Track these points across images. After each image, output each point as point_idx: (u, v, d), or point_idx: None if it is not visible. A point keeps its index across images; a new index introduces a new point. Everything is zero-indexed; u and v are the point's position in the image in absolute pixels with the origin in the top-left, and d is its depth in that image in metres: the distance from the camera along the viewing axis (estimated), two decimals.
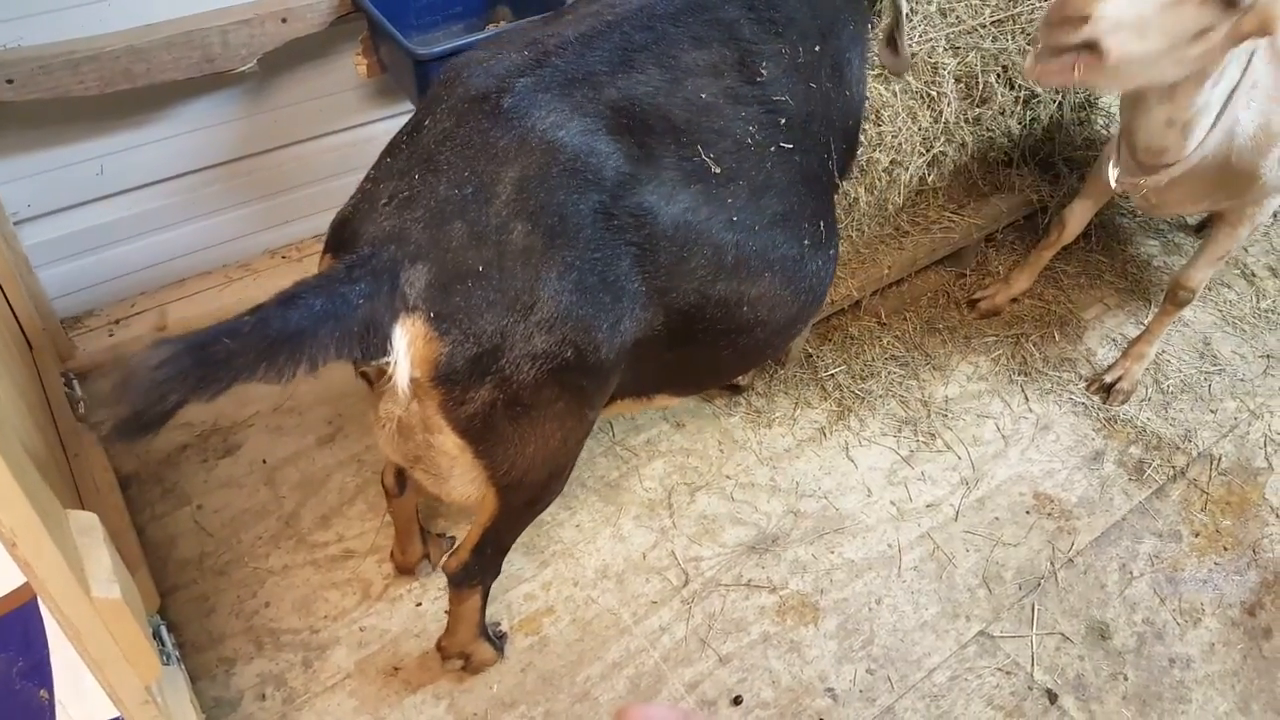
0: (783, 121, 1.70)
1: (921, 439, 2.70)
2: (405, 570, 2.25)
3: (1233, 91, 2.04)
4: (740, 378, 2.69)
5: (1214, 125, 2.09)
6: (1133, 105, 2.16)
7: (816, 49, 1.78)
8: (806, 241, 1.76)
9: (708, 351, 1.79)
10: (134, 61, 2.13)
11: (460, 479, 1.62)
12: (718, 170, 1.60)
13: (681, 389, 2.05)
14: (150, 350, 1.13)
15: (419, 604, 2.23)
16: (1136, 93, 2.09)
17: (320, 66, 2.62)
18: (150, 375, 1.12)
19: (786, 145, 1.70)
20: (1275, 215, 3.54)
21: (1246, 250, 3.41)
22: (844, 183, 2.04)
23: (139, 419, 1.13)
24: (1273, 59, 2.11)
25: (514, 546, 2.04)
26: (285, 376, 1.25)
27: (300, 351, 1.25)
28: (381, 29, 2.25)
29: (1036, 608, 2.35)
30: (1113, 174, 2.35)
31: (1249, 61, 2.04)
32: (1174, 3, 1.64)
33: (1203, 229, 3.38)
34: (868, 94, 2.19)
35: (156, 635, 1.76)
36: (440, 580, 2.24)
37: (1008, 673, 2.22)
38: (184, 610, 2.16)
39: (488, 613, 2.07)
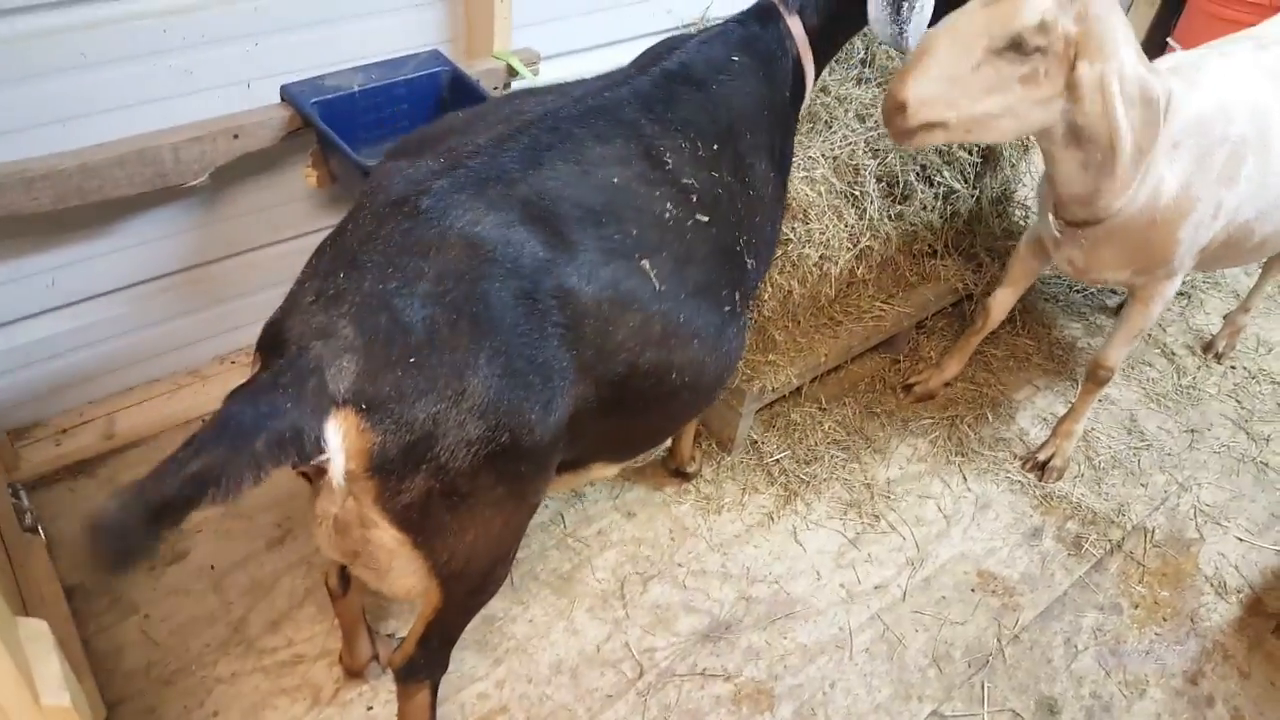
0: (694, 199, 1.80)
1: (866, 520, 2.76)
2: (354, 673, 2.22)
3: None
4: (688, 465, 2.75)
5: (1144, 176, 2.20)
6: (1047, 159, 2.28)
7: (715, 148, 1.90)
8: (726, 309, 1.86)
9: (639, 418, 1.85)
10: (87, 179, 2.18)
11: (400, 572, 1.62)
12: (639, 245, 1.69)
13: (615, 456, 2.09)
14: (108, 502, 1.21)
15: (370, 708, 2.20)
16: (1045, 146, 2.23)
17: (271, 178, 2.70)
18: (113, 524, 1.20)
19: (703, 219, 1.80)
20: (1187, 296, 3.74)
21: (1165, 330, 3.59)
22: (763, 276, 2.14)
23: (115, 562, 1.22)
24: (1195, 129, 2.25)
25: (466, 644, 2.04)
26: (233, 494, 1.29)
27: (240, 468, 1.29)
28: (331, 143, 2.35)
29: (986, 685, 2.39)
30: (1054, 225, 2.47)
31: (1163, 113, 2.15)
32: (970, 69, 1.89)
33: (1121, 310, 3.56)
34: (786, 198, 2.30)
35: None
36: (392, 683, 2.22)
37: None
38: None
39: (441, 714, 2.05)
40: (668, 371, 1.77)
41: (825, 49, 2.20)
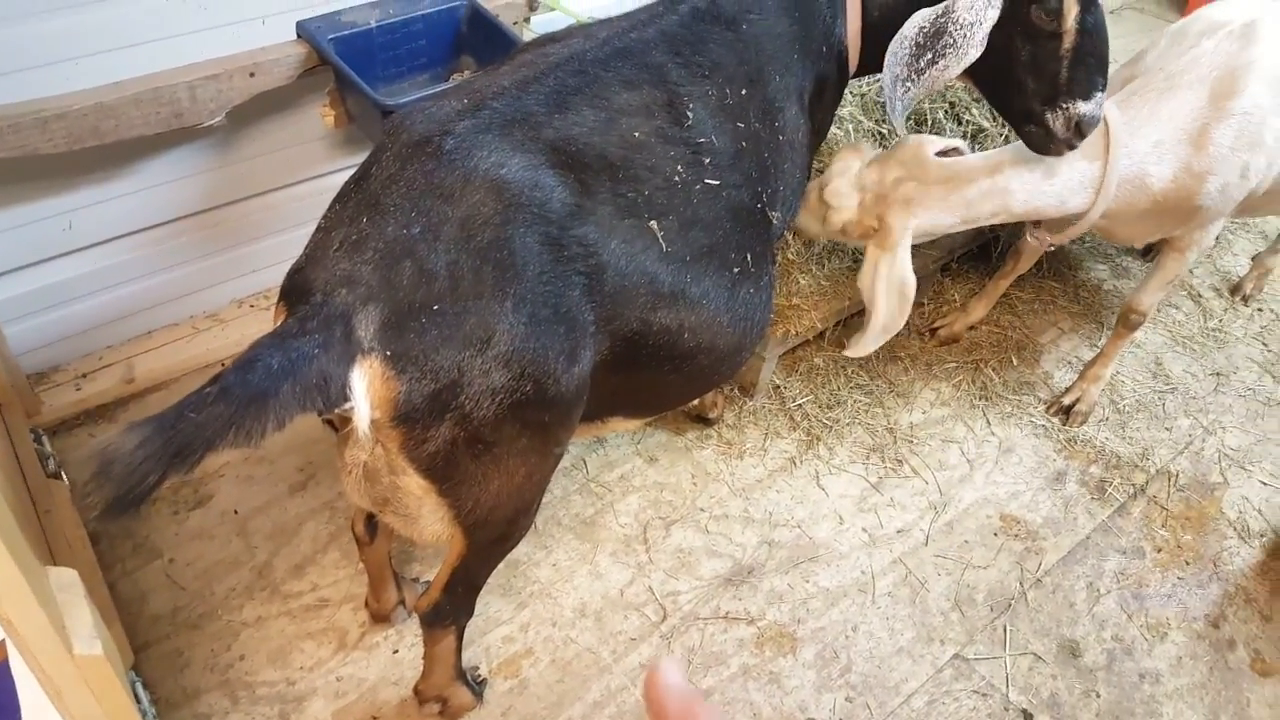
0: (707, 161, 1.76)
1: (889, 465, 2.75)
2: (380, 618, 2.24)
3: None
4: (710, 411, 2.73)
5: (1101, 184, 2.29)
6: None
7: (743, 93, 1.85)
8: (736, 270, 1.82)
9: (653, 376, 1.83)
10: (102, 119, 2.14)
11: (428, 519, 1.63)
12: (649, 206, 1.66)
13: (633, 412, 2.08)
14: (123, 435, 1.19)
15: (396, 651, 2.22)
16: None
17: (287, 117, 2.65)
18: (127, 459, 1.17)
19: (712, 182, 1.76)
20: (1216, 239, 3.67)
21: (1192, 272, 3.53)
22: (788, 220, 2.10)
23: (124, 500, 1.19)
24: (1182, 123, 2.30)
25: (491, 588, 2.05)
26: (255, 439, 1.28)
27: (265, 412, 1.28)
28: (348, 81, 2.29)
29: (1008, 629, 2.39)
30: (1030, 230, 2.66)
31: (1106, 137, 2.24)
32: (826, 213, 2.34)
33: (1149, 252, 3.50)
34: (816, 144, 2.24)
35: (133, 692, 1.74)
36: (417, 626, 2.23)
37: (984, 695, 2.25)
38: (158, 666, 2.13)
39: (466, 657, 2.06)
40: (680, 332, 1.75)
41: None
